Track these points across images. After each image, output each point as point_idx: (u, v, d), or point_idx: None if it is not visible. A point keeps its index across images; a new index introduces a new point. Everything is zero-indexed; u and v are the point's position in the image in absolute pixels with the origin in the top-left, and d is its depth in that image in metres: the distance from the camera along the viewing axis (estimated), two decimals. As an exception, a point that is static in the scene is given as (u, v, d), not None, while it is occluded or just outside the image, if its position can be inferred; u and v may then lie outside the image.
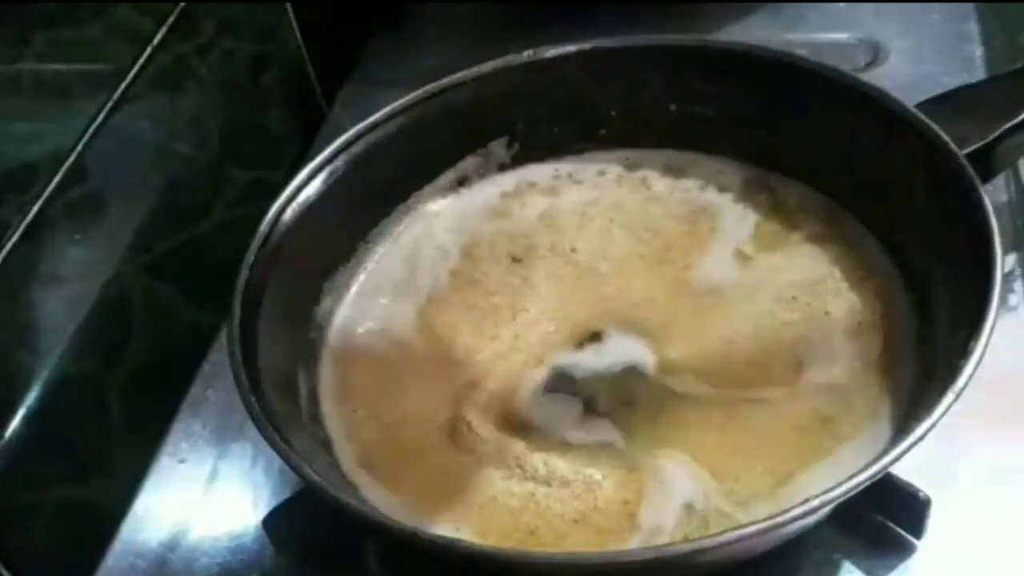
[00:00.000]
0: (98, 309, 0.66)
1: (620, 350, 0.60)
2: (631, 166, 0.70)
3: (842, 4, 0.85)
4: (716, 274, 0.63)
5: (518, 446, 0.56)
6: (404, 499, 0.55)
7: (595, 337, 0.60)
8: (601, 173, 0.70)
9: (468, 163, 0.70)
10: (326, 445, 0.58)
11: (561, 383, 0.59)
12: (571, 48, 0.68)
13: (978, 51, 0.79)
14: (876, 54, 0.80)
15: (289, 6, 0.87)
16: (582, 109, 0.70)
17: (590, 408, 0.57)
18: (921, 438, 0.46)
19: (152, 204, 0.72)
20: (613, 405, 0.57)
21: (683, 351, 0.59)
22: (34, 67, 0.62)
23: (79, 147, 0.64)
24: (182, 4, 0.73)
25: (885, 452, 0.46)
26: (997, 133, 0.59)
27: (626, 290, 0.63)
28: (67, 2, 0.64)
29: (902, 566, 0.52)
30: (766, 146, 0.67)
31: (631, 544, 0.51)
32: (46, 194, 0.62)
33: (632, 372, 0.58)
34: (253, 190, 0.81)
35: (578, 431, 0.56)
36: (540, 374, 0.60)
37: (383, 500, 0.55)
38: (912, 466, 0.49)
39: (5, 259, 0.59)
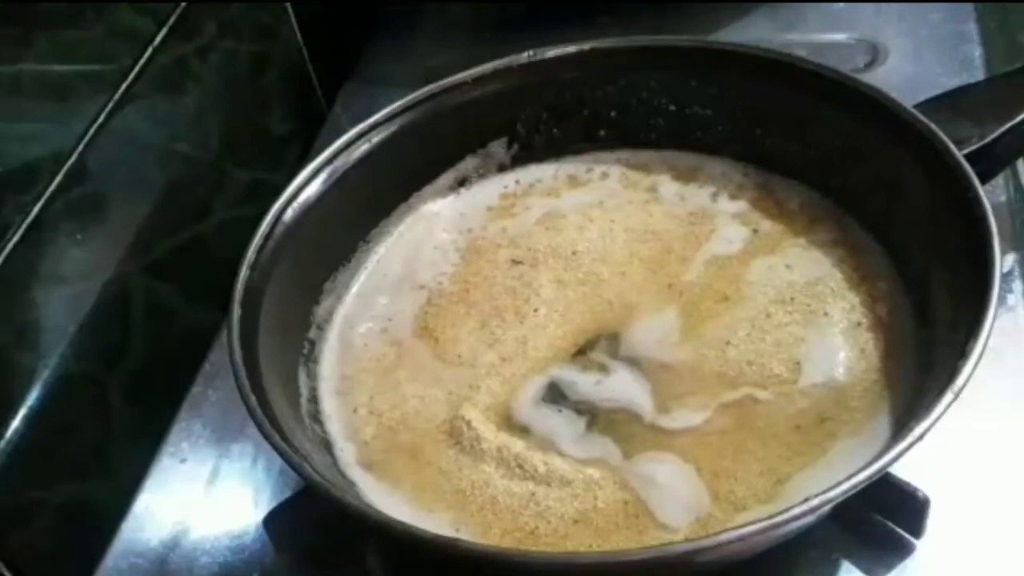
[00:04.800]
0: (99, 309, 0.67)
1: (620, 387, 0.59)
2: (636, 169, 0.70)
3: (841, 4, 0.85)
4: (715, 276, 0.63)
5: (518, 446, 0.56)
6: (404, 499, 0.55)
7: (601, 368, 0.60)
8: (604, 176, 0.70)
9: (468, 163, 0.70)
10: (326, 445, 0.58)
11: (558, 396, 0.59)
12: (571, 48, 0.68)
13: (977, 51, 0.79)
14: (875, 54, 0.80)
15: (289, 6, 0.88)
16: (582, 109, 0.70)
17: (592, 423, 0.57)
18: (920, 438, 0.46)
19: (153, 204, 0.72)
20: (612, 421, 0.57)
21: (683, 357, 0.59)
22: (35, 68, 0.62)
23: (80, 147, 0.64)
24: (183, 5, 0.73)
25: (884, 452, 0.46)
26: (996, 134, 0.60)
27: (627, 295, 0.63)
28: (68, 3, 0.64)
29: (901, 566, 0.53)
30: (765, 147, 0.67)
31: (631, 544, 0.51)
32: (47, 194, 0.62)
33: (626, 413, 0.57)
34: (253, 190, 0.81)
35: (576, 445, 0.56)
36: (542, 381, 0.60)
37: (383, 500, 0.55)
38: (911, 466, 0.50)
39: (6, 259, 0.59)
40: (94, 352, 0.66)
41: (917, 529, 0.52)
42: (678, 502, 0.53)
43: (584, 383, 0.59)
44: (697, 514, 0.52)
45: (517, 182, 0.71)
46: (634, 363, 0.60)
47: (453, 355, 0.61)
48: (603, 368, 0.60)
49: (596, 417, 0.57)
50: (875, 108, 0.60)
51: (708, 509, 0.52)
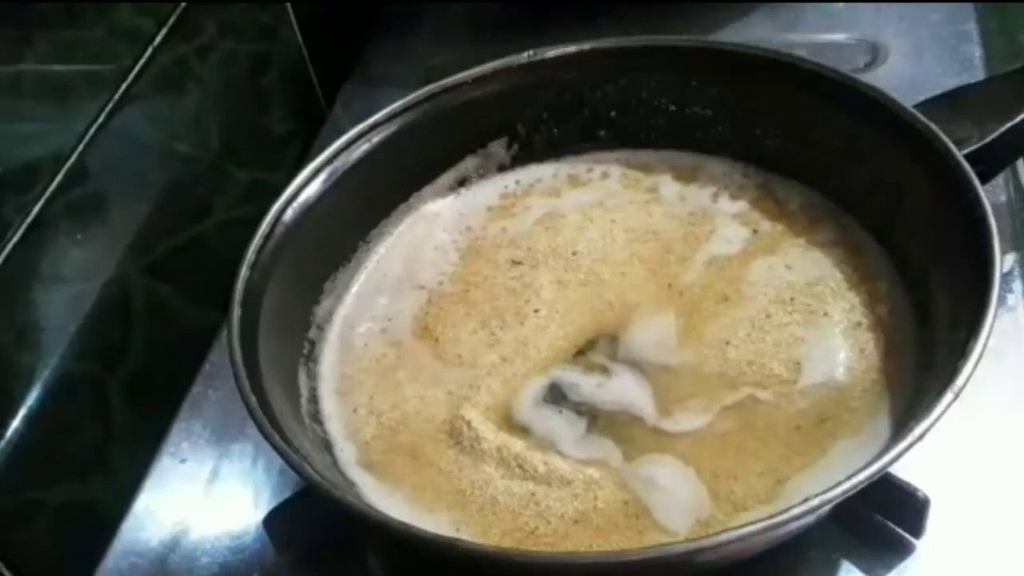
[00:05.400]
0: (99, 309, 0.67)
1: (621, 389, 0.58)
2: (636, 169, 0.70)
3: (842, 4, 0.85)
4: (715, 276, 0.63)
5: (518, 446, 0.56)
6: (404, 499, 0.55)
7: (603, 370, 0.59)
8: (605, 176, 0.70)
9: (468, 163, 0.70)
10: (326, 445, 0.58)
11: (559, 397, 0.59)
12: (571, 48, 0.68)
13: (977, 51, 0.79)
14: (876, 54, 0.80)
15: (289, 6, 0.88)
16: (582, 109, 0.70)
17: (592, 425, 0.57)
18: (920, 438, 0.46)
19: (153, 204, 0.72)
20: (612, 422, 0.57)
21: (683, 359, 0.59)
22: (35, 68, 0.62)
23: (80, 147, 0.64)
24: (183, 5, 0.73)
25: (884, 452, 0.46)
26: (996, 134, 0.60)
27: (627, 295, 0.63)
28: (68, 3, 0.64)
29: (901, 565, 0.53)
30: (766, 147, 0.67)
31: (631, 544, 0.51)
32: (47, 194, 0.62)
33: (628, 416, 0.57)
34: (253, 190, 0.81)
35: (576, 446, 0.56)
36: (542, 382, 0.60)
37: (383, 500, 0.55)
38: (911, 466, 0.50)
39: (6, 259, 0.59)
40: (94, 352, 0.66)
41: (917, 529, 0.52)
42: (679, 505, 0.53)
43: (586, 385, 0.59)
44: (698, 516, 0.52)
45: (517, 182, 0.71)
46: (635, 365, 0.59)
47: (453, 355, 0.61)
48: (605, 370, 0.60)
49: (597, 419, 0.57)
50: (875, 108, 0.60)
51: (709, 512, 0.52)
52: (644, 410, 0.57)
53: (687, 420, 0.56)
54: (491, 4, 0.92)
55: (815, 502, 0.44)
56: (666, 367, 0.59)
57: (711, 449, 0.55)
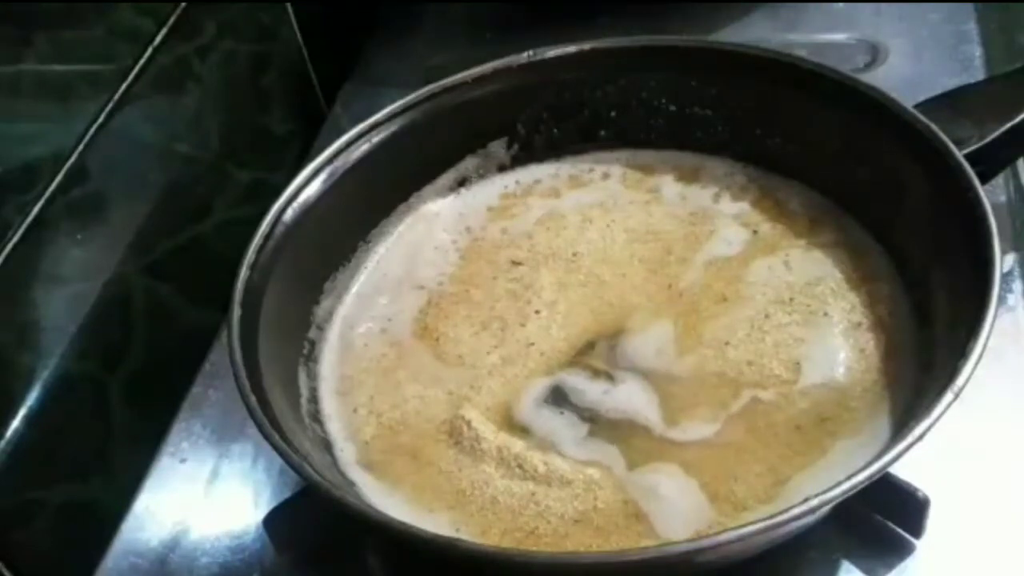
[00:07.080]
0: (99, 309, 0.67)
1: (626, 398, 0.58)
2: (637, 169, 0.70)
3: (842, 4, 0.85)
4: (715, 277, 0.63)
5: (518, 446, 0.56)
6: (404, 499, 0.55)
7: (607, 376, 0.59)
8: (606, 176, 0.70)
9: (468, 163, 0.70)
10: (326, 445, 0.58)
11: (560, 399, 0.59)
12: (571, 48, 0.68)
13: (977, 51, 0.79)
14: (876, 54, 0.80)
15: (289, 6, 0.88)
16: (582, 109, 0.70)
17: (594, 429, 0.57)
18: (920, 438, 0.46)
19: (153, 204, 0.72)
20: (614, 426, 0.57)
21: (684, 361, 0.59)
22: (35, 68, 0.62)
23: (80, 147, 0.64)
24: (182, 5, 0.73)
25: (884, 452, 0.46)
26: (996, 134, 0.60)
27: (627, 296, 0.63)
28: (68, 3, 0.64)
29: (901, 566, 0.53)
30: (765, 147, 0.67)
31: (631, 544, 0.51)
32: (47, 194, 0.62)
33: (633, 424, 0.57)
34: (253, 190, 0.81)
35: (577, 448, 0.56)
36: (544, 383, 0.59)
37: (383, 500, 0.55)
38: (911, 466, 0.50)
39: (6, 259, 0.59)
40: (94, 352, 0.66)
41: (917, 529, 0.52)
42: (680, 515, 0.52)
43: (591, 391, 0.59)
44: (698, 527, 0.52)
45: (517, 182, 0.71)
46: (637, 370, 0.59)
47: (453, 355, 0.61)
48: (609, 377, 0.59)
49: (598, 423, 0.57)
50: (875, 108, 0.60)
51: (709, 521, 0.52)
52: (650, 419, 0.57)
53: (695, 429, 0.56)
54: (491, 4, 0.92)
55: (815, 502, 0.44)
56: (668, 374, 0.59)
57: (714, 456, 0.54)
